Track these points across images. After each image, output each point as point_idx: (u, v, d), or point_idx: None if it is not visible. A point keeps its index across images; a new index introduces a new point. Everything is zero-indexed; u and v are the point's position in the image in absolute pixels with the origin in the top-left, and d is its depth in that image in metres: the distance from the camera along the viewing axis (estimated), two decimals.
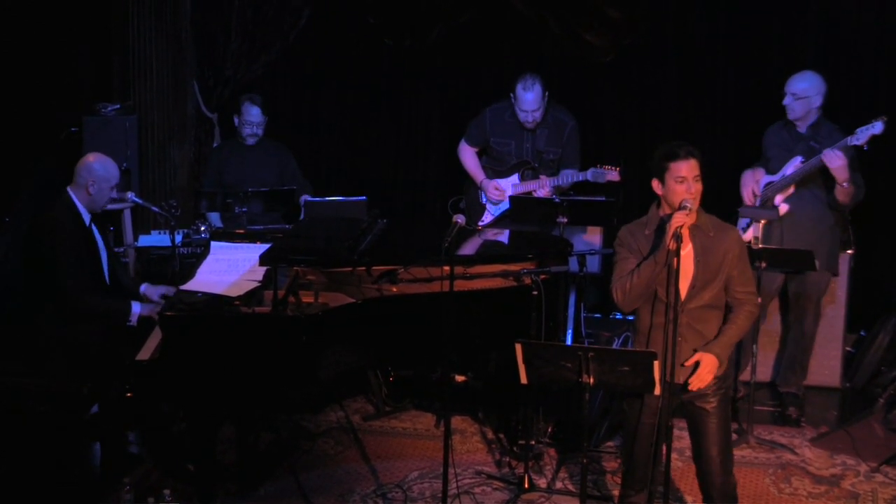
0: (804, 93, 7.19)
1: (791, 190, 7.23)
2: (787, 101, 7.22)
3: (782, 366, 7.62)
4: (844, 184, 7.01)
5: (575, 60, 8.74)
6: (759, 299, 5.58)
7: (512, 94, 7.87)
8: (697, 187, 5.29)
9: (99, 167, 6.55)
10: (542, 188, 7.84)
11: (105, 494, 6.32)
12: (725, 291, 5.41)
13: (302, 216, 7.92)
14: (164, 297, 6.54)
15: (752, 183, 7.35)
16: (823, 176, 7.14)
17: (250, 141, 8.19)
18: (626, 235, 5.48)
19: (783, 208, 7.18)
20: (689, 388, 5.31)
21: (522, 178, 7.97)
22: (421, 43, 8.88)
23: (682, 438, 6.68)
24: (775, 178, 7.30)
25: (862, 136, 6.91)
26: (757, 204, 7.30)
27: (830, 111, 7.37)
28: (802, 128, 7.27)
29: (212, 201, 7.92)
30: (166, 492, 5.93)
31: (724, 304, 5.44)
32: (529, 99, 7.78)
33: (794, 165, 7.22)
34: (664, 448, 5.34)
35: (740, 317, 5.41)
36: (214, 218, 8.08)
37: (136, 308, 6.44)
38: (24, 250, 6.54)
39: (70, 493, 6.21)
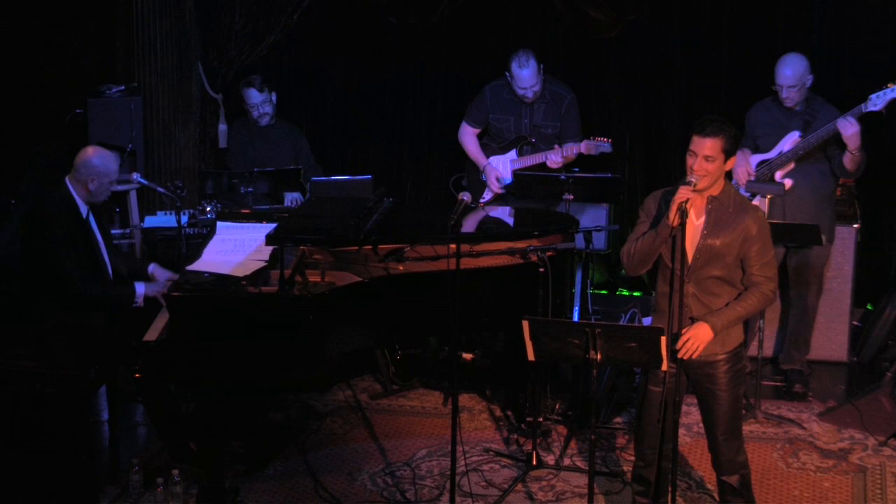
0: (799, 79, 7.17)
1: (792, 165, 7.22)
2: (784, 93, 7.19)
3: (785, 342, 7.61)
4: (856, 152, 7.01)
5: (579, 37, 8.72)
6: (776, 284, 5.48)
7: (508, 73, 7.85)
8: (706, 167, 5.25)
9: (98, 162, 6.40)
10: (554, 156, 7.79)
11: (114, 475, 6.35)
12: (742, 270, 5.38)
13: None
14: (169, 281, 6.51)
15: (745, 163, 7.31)
16: (825, 147, 7.14)
17: (264, 121, 8.17)
18: (649, 199, 5.52)
19: (787, 183, 7.19)
20: (678, 354, 5.30)
21: (520, 154, 7.96)
22: (425, 21, 8.85)
23: (689, 414, 6.72)
24: (769, 155, 7.29)
25: (879, 102, 6.90)
26: None
27: (839, 86, 7.34)
28: (798, 106, 7.27)
29: (217, 182, 7.90)
30: (175, 472, 5.97)
31: (739, 282, 5.40)
32: (526, 76, 7.77)
33: (791, 141, 7.21)
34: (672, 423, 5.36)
35: (752, 296, 5.35)
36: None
37: (141, 289, 6.38)
38: (22, 243, 6.48)
39: (79, 475, 6.22)
